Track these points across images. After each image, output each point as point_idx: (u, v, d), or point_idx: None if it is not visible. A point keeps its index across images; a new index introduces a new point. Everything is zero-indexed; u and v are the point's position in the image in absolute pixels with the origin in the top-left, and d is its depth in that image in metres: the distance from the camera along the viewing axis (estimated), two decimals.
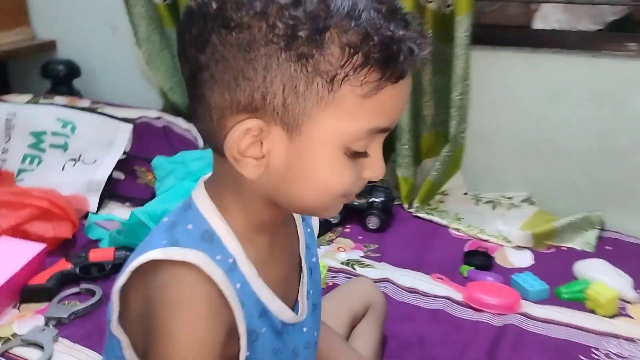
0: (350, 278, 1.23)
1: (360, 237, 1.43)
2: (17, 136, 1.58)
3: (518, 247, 1.39)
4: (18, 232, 1.27)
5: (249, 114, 0.53)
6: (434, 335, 1.08)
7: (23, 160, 1.55)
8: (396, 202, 1.56)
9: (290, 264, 0.67)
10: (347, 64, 0.50)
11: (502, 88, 1.58)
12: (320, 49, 0.50)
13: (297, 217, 0.70)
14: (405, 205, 1.56)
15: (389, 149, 1.61)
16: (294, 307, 0.66)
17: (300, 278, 0.68)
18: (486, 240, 1.41)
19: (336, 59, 0.50)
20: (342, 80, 0.51)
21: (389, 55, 0.50)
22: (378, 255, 1.36)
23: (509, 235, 1.41)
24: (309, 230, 0.71)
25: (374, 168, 0.57)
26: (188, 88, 0.56)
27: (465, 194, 1.60)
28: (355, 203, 1.47)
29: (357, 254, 1.35)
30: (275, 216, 0.61)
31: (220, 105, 0.53)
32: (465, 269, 1.29)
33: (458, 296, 1.19)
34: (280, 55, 0.50)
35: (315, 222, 0.73)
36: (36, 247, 1.22)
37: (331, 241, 1.41)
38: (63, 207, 1.34)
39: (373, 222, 1.46)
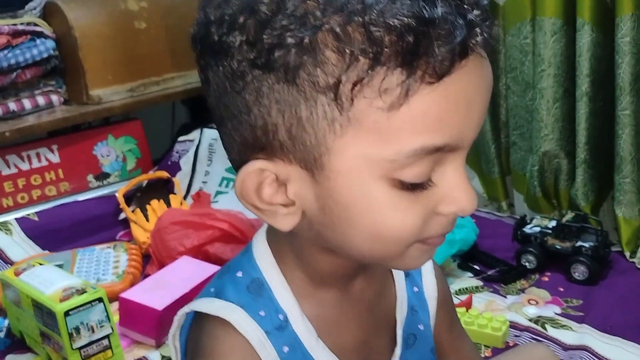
0: (537, 340, 1.01)
1: (560, 289, 1.18)
2: (218, 160, 1.67)
3: None
4: (200, 252, 1.32)
5: (259, 153, 0.42)
6: None
7: (220, 183, 1.64)
8: (614, 249, 1.27)
9: (375, 327, 0.53)
10: (349, 70, 0.36)
11: None
12: (310, 57, 0.37)
13: (397, 273, 0.55)
14: (627, 254, 1.26)
15: (606, 182, 1.32)
16: None
17: (393, 347, 0.54)
18: None
19: (334, 66, 0.37)
20: (351, 93, 0.37)
21: (409, 46, 0.35)
22: (581, 314, 1.10)
23: None
24: (415, 289, 0.56)
25: (454, 199, 0.42)
26: None
27: None
28: (558, 246, 1.23)
29: (552, 310, 1.11)
30: (342, 266, 0.49)
31: (236, 149, 0.44)
32: None
33: None
34: (269, 77, 0.39)
35: (428, 279, 0.58)
36: (211, 269, 1.25)
37: (522, 290, 1.19)
38: (243, 230, 1.36)
39: (580, 271, 1.20)
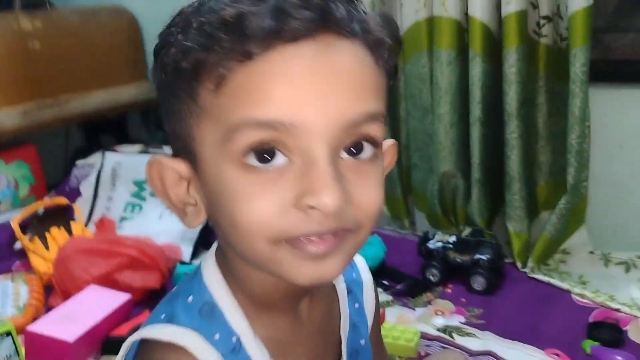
0: (446, 348, 1.08)
1: (462, 300, 1.27)
2: (122, 185, 1.63)
3: None
4: (108, 280, 1.28)
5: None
6: None
7: (124, 209, 1.59)
8: (507, 261, 1.38)
9: (323, 346, 0.56)
10: (191, 60, 0.43)
11: (632, 131, 1.37)
12: (161, 59, 0.46)
13: (341, 291, 0.58)
14: (519, 264, 1.38)
15: (498, 199, 1.44)
16: None
17: None
18: (616, 310, 1.19)
19: (171, 60, 0.44)
20: (196, 82, 0.43)
21: (227, 32, 0.42)
22: (482, 322, 1.19)
23: None
24: (356, 305, 0.59)
25: (310, 190, 0.42)
26: None
27: (592, 252, 1.38)
28: (458, 260, 1.32)
29: (457, 320, 1.19)
30: (280, 286, 0.49)
31: None
32: (589, 345, 1.08)
33: None
34: (163, 79, 0.46)
35: (368, 294, 0.61)
36: (122, 297, 1.21)
37: (429, 302, 1.26)
38: (153, 256, 1.33)
39: (479, 282, 1.29)
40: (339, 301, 0.58)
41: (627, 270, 1.33)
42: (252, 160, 0.42)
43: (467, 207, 1.46)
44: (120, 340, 1.10)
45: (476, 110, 1.35)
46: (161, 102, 0.48)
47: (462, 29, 1.36)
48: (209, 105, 0.43)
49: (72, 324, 1.09)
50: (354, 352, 0.58)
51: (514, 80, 1.29)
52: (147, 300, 1.28)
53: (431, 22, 1.38)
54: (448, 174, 1.46)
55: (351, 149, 0.44)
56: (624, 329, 1.13)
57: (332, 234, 0.44)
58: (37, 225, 1.60)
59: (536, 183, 1.43)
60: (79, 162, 1.82)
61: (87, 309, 1.16)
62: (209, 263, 0.52)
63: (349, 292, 0.59)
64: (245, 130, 0.42)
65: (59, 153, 2.19)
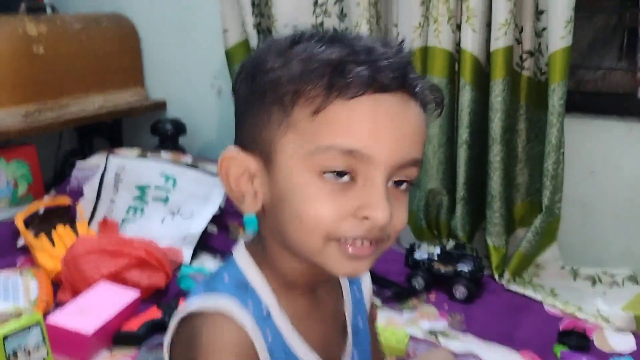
0: (434, 348, 1.19)
1: (445, 307, 1.39)
2: (124, 189, 1.69)
3: (619, 330, 1.29)
4: (117, 278, 1.35)
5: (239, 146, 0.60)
6: None
7: (127, 211, 1.66)
8: (486, 273, 1.51)
9: (334, 325, 0.68)
10: (292, 85, 0.55)
11: (603, 158, 1.51)
12: (255, 78, 0.57)
13: (345, 281, 0.71)
14: (497, 276, 1.50)
15: (479, 216, 1.57)
16: None
17: (345, 339, 0.68)
18: (584, 320, 1.32)
19: (284, 86, 0.55)
20: (291, 102, 0.55)
21: (332, 72, 0.53)
22: (464, 327, 1.30)
23: (609, 316, 1.32)
24: (357, 291, 0.72)
25: (367, 205, 0.54)
26: None
27: (562, 267, 1.51)
28: (442, 270, 1.44)
29: (441, 324, 1.31)
30: (302, 272, 0.61)
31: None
32: (559, 349, 1.21)
33: None
34: (249, 94, 0.58)
35: (366, 283, 0.73)
36: (131, 294, 1.29)
37: (415, 308, 1.37)
38: (159, 258, 1.41)
39: (460, 291, 1.41)
40: (343, 289, 0.70)
41: (594, 284, 1.46)
42: (328, 175, 0.55)
43: (451, 222, 1.58)
44: (130, 335, 1.20)
45: (464, 134, 1.48)
46: (245, 109, 0.59)
47: (454, 59, 1.49)
48: (302, 125, 0.55)
49: (88, 318, 1.17)
50: (356, 332, 0.69)
51: (499, 109, 1.42)
52: (152, 298, 1.36)
53: (425, 51, 1.50)
54: (434, 191, 1.58)
55: (395, 180, 0.57)
56: (589, 336, 1.26)
57: (372, 241, 0.57)
58: (38, 223, 1.66)
59: (514, 202, 1.56)
60: (79, 164, 1.87)
61: (100, 304, 1.23)
62: (240, 252, 0.63)
63: (351, 282, 0.71)
64: (331, 153, 0.54)
65: (50, 153, 2.23)
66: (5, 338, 0.96)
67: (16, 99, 1.84)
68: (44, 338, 1.01)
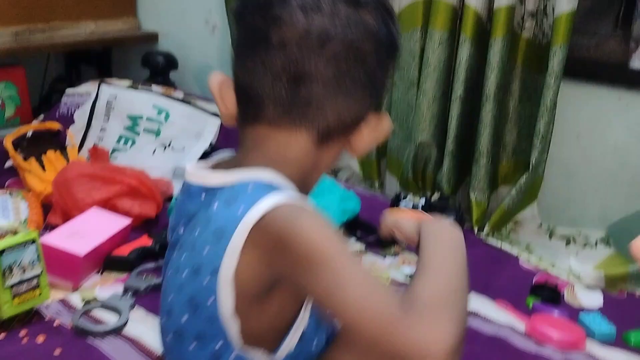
0: None
1: None
2: (116, 118, 1.69)
3: (589, 287, 1.36)
4: (108, 205, 1.36)
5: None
6: None
7: (118, 141, 1.66)
8: (467, 226, 1.56)
9: None
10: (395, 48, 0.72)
11: (590, 123, 1.55)
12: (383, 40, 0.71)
13: None
14: (475, 230, 1.56)
15: (464, 171, 1.61)
16: None
17: None
18: (556, 276, 1.39)
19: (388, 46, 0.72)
20: (392, 67, 0.74)
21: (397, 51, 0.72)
22: None
23: (580, 273, 1.39)
24: None
25: None
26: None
27: (540, 226, 1.58)
28: None
29: None
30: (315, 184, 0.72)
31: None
32: (532, 301, 1.27)
33: (521, 326, 1.18)
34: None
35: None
36: (122, 221, 1.31)
37: (397, 254, 1.42)
38: (150, 187, 1.42)
39: None
40: None
41: (567, 243, 1.53)
42: None
43: (437, 175, 1.62)
44: (121, 259, 1.22)
45: (459, 89, 1.50)
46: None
47: (456, 14, 1.49)
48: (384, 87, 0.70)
49: (80, 240, 1.19)
50: None
51: (495, 67, 1.44)
52: (142, 228, 1.38)
53: (429, 4, 1.50)
54: (424, 143, 1.61)
55: None
56: (561, 291, 1.32)
57: None
58: (26, 146, 1.65)
59: (499, 160, 1.60)
60: (69, 90, 1.85)
61: (92, 228, 1.25)
62: (261, 171, 0.66)
63: None
64: None
65: (37, 79, 2.19)
66: (1, 253, 0.97)
67: (7, 18, 1.80)
68: (38, 256, 1.03)
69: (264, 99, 0.65)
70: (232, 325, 0.64)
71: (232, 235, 0.61)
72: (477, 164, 1.55)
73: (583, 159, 1.57)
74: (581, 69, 1.59)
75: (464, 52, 1.48)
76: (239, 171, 0.66)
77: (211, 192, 0.66)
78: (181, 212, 0.71)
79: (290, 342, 0.68)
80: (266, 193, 0.62)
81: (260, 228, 0.60)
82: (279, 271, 0.61)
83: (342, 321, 0.58)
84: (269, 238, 0.60)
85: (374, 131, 0.69)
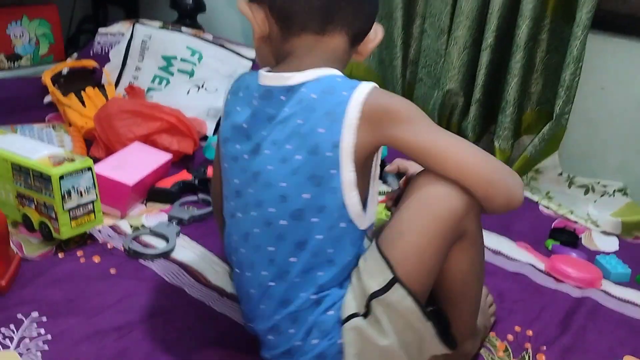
0: None
1: None
2: (150, 57, 1.73)
3: (605, 233, 1.42)
4: (148, 140, 1.42)
5: None
6: (513, 293, 1.14)
7: (153, 80, 1.70)
8: None
9: None
10: None
11: (615, 76, 1.58)
12: None
13: None
14: None
15: (489, 119, 1.65)
16: None
17: None
18: (574, 222, 1.45)
19: None
20: None
21: None
22: None
23: (598, 220, 1.45)
24: None
25: None
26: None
27: (560, 174, 1.63)
28: None
29: None
30: None
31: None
32: (551, 243, 1.34)
33: (541, 266, 1.25)
34: None
35: None
36: (164, 156, 1.37)
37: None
38: (188, 125, 1.48)
39: None
40: None
41: (586, 192, 1.58)
42: None
43: (462, 122, 1.67)
44: (165, 191, 1.29)
45: (490, 38, 1.53)
46: None
47: None
48: None
49: (127, 171, 1.25)
50: None
51: (528, 16, 1.47)
52: (180, 163, 1.44)
53: None
54: (452, 91, 1.65)
55: None
56: (579, 236, 1.39)
57: None
58: (63, 83, 1.70)
59: (524, 110, 1.64)
60: (101, 30, 1.89)
61: (136, 161, 1.31)
62: (327, 70, 0.79)
63: None
64: None
65: (65, 18, 2.22)
66: (61, 178, 1.03)
67: None
68: (94, 183, 1.09)
69: (307, 12, 0.78)
70: (352, 195, 0.76)
71: (344, 113, 0.75)
72: (503, 113, 1.59)
73: (606, 111, 1.60)
74: (609, 22, 1.60)
75: (497, 1, 1.50)
76: (311, 71, 0.78)
77: (292, 90, 0.78)
78: (260, 115, 0.80)
79: (370, 212, 0.80)
80: (351, 82, 0.77)
81: (368, 104, 0.75)
82: (384, 137, 0.75)
83: (442, 163, 0.76)
84: (376, 111, 0.75)
85: (376, 38, 0.85)
